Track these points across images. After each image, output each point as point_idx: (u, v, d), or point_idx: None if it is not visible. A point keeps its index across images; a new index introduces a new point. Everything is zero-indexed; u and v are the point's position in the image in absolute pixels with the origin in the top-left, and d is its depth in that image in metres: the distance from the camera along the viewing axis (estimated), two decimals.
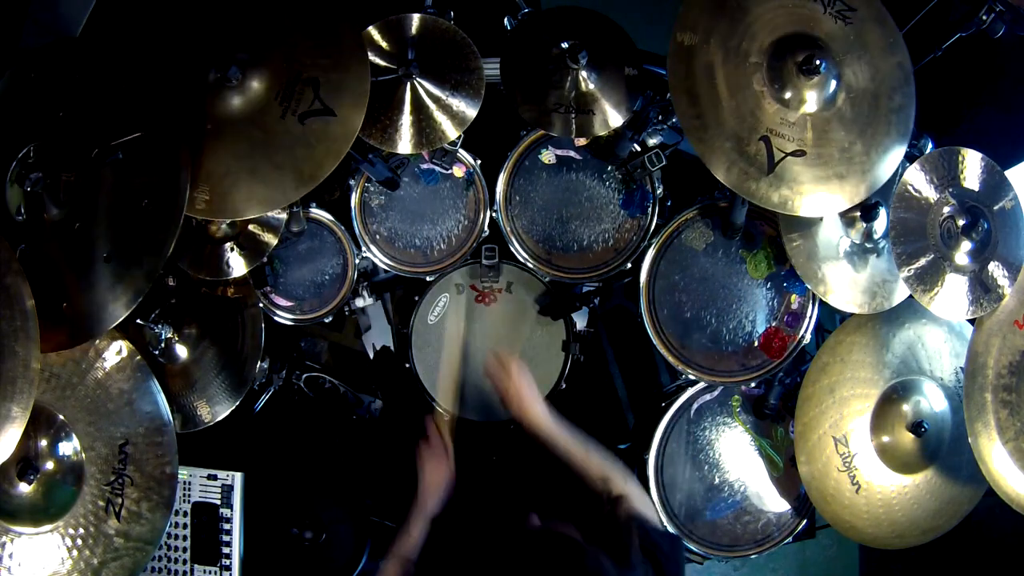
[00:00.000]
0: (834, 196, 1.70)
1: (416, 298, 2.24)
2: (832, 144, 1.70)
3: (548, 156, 2.15)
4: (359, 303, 2.35)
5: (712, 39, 1.69)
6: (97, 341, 1.70)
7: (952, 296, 1.74)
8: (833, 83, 1.69)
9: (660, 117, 2.00)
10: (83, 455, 1.67)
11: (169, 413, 1.75)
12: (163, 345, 1.90)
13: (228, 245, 1.95)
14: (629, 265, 2.15)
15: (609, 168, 2.14)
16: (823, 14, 1.72)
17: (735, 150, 1.67)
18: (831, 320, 2.19)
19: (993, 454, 1.70)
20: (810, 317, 2.05)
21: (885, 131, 1.72)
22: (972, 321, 1.80)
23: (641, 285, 2.07)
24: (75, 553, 1.64)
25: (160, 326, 1.86)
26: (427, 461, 1.66)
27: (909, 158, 1.79)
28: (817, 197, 1.69)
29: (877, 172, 1.71)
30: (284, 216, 2.00)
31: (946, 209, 1.76)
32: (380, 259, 2.21)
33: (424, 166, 2.16)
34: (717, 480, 2.10)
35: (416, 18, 1.94)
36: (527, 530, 1.33)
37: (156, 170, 1.58)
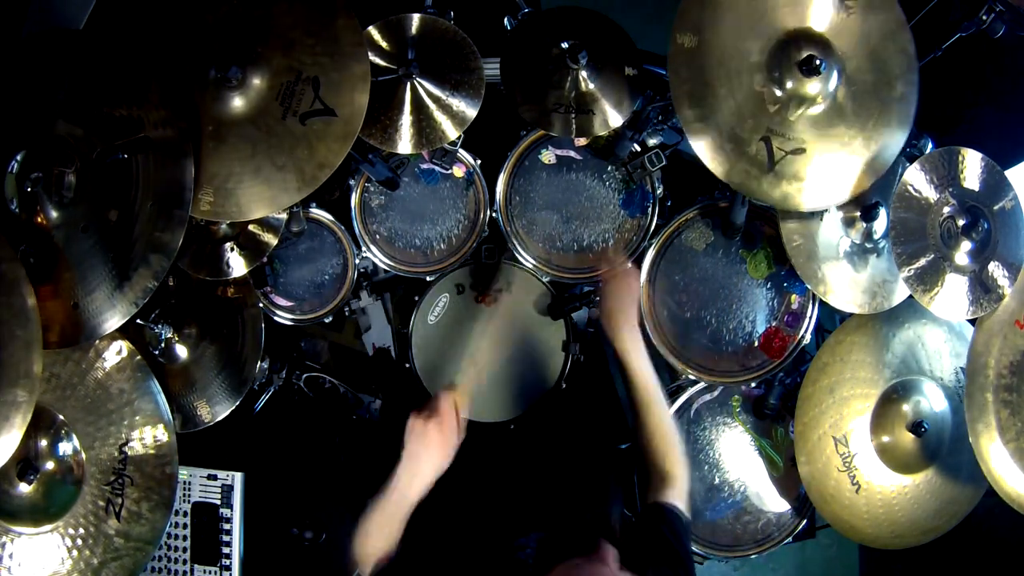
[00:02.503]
0: (834, 189, 1.71)
1: (416, 298, 2.24)
2: (832, 139, 1.70)
3: (548, 156, 2.15)
4: (359, 303, 2.35)
5: (712, 40, 1.69)
6: (97, 341, 1.70)
7: (952, 296, 1.74)
8: (834, 81, 1.69)
9: (660, 117, 2.00)
10: (83, 455, 1.67)
11: (169, 413, 1.75)
12: (163, 345, 1.90)
13: (228, 245, 1.95)
14: (629, 265, 2.15)
15: (609, 168, 2.14)
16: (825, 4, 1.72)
17: (736, 151, 1.67)
18: (831, 320, 2.19)
19: (994, 454, 1.70)
20: (810, 317, 2.05)
21: (886, 122, 1.72)
22: (972, 321, 1.80)
23: (641, 285, 2.07)
24: (75, 553, 1.64)
25: (160, 326, 1.86)
26: (431, 438, 1.40)
27: (909, 158, 1.79)
28: (818, 191, 1.70)
29: (876, 164, 1.72)
30: (284, 216, 2.00)
31: (946, 209, 1.75)
32: (380, 259, 2.21)
33: (424, 166, 2.16)
34: (717, 480, 2.10)
35: (416, 18, 1.94)
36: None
37: (162, 170, 1.58)
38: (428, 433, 1.40)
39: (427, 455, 1.40)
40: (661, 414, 1.45)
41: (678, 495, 1.42)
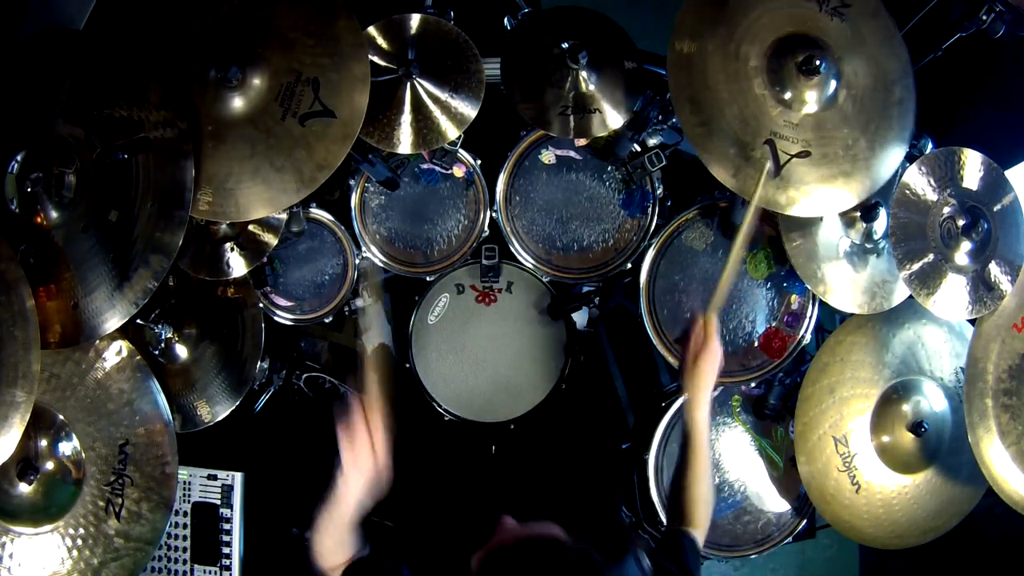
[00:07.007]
0: (840, 194, 1.70)
1: (416, 298, 2.24)
2: (836, 142, 1.70)
3: (548, 156, 2.15)
4: (359, 303, 2.35)
5: (710, 45, 1.69)
6: (97, 341, 1.70)
7: (952, 296, 1.74)
8: (833, 82, 1.69)
9: (660, 117, 2.00)
10: (83, 455, 1.67)
11: (169, 413, 1.75)
12: (163, 345, 1.90)
13: (228, 245, 1.95)
14: (629, 265, 2.15)
15: (609, 168, 2.14)
16: (820, 12, 1.73)
17: (740, 155, 1.67)
18: (831, 320, 2.19)
19: (996, 458, 1.70)
20: (810, 317, 2.05)
21: (887, 125, 1.72)
22: (972, 321, 1.80)
23: (641, 285, 2.07)
24: (75, 553, 1.64)
25: (160, 326, 1.86)
26: (347, 458, 1.40)
27: (909, 158, 1.79)
28: (823, 196, 1.70)
29: (881, 167, 1.72)
30: (284, 216, 2.00)
31: (946, 209, 1.76)
32: (380, 259, 2.21)
33: (424, 166, 2.16)
34: (717, 480, 2.10)
35: (416, 18, 1.94)
36: (503, 541, 1.16)
37: (162, 171, 1.58)
38: (345, 451, 1.41)
39: (350, 472, 1.40)
40: (708, 469, 1.54)
41: (700, 533, 1.50)
